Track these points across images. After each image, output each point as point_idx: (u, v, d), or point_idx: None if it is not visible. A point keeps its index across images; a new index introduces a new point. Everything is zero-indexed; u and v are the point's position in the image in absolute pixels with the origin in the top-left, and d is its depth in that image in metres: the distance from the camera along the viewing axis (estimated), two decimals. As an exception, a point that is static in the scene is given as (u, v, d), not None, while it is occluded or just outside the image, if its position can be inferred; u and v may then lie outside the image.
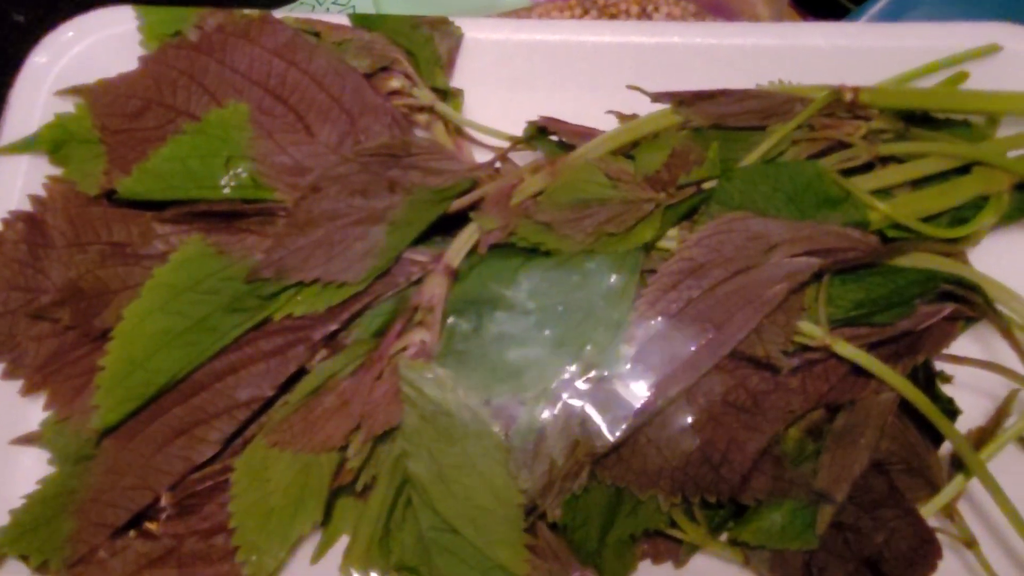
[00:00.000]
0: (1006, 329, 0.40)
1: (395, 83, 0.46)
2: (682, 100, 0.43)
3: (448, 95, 0.47)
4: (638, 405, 0.38)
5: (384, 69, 0.46)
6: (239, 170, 0.43)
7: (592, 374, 0.39)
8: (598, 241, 0.40)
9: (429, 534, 0.39)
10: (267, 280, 0.41)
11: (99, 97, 0.46)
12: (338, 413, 0.40)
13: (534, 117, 0.45)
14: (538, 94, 0.48)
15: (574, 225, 0.41)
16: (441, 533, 0.38)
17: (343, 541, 0.41)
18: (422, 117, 0.46)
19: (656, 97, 0.44)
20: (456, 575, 0.38)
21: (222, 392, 0.41)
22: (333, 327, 0.41)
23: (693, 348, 0.39)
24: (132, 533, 0.40)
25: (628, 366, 0.38)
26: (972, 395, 0.42)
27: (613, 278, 0.40)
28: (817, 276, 0.40)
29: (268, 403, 0.41)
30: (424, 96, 0.46)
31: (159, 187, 0.43)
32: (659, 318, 0.39)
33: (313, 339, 0.41)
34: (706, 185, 0.42)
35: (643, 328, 0.39)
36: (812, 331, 0.39)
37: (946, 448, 0.40)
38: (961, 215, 0.43)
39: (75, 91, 0.46)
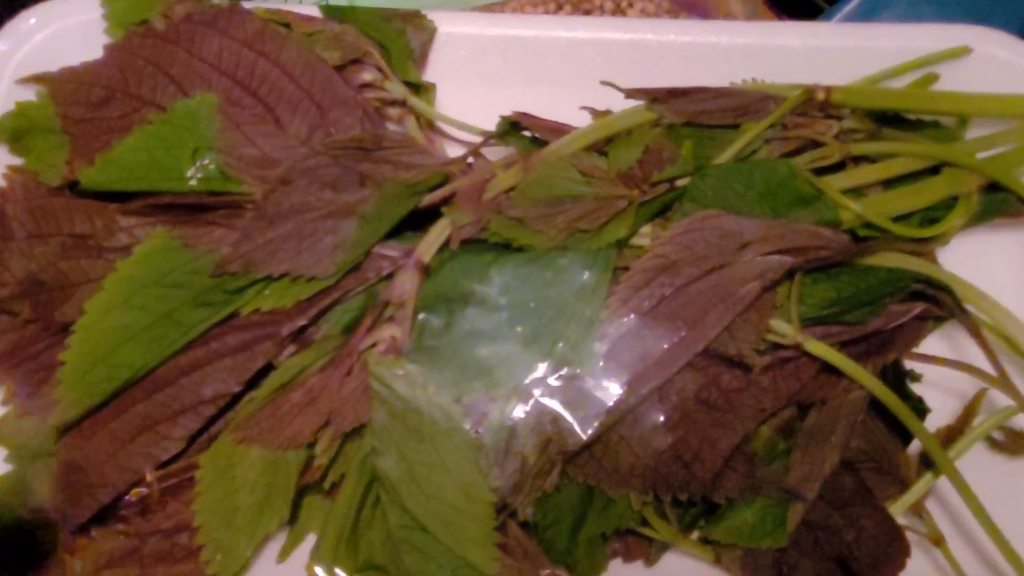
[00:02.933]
0: (975, 329, 0.40)
1: (367, 76, 0.45)
2: (656, 97, 0.43)
3: (420, 89, 0.46)
4: (610, 403, 0.38)
5: (355, 62, 0.45)
6: (206, 161, 0.42)
7: (564, 371, 0.38)
8: (571, 237, 0.40)
9: (398, 533, 0.38)
10: (234, 274, 0.40)
11: (62, 85, 0.44)
12: (306, 409, 0.39)
13: (507, 112, 0.44)
14: (511, 89, 0.47)
15: (547, 221, 0.40)
16: (410, 532, 0.38)
17: (309, 540, 0.40)
18: (394, 111, 0.46)
19: (630, 93, 0.44)
20: (425, 574, 0.38)
21: (187, 388, 0.40)
22: (301, 322, 0.40)
23: (665, 346, 0.38)
24: (93, 531, 0.39)
25: (600, 363, 0.38)
26: (941, 394, 0.42)
27: (586, 275, 0.40)
28: (789, 275, 0.40)
29: (235, 399, 0.40)
30: (396, 90, 0.45)
31: (123, 178, 0.42)
32: (631, 315, 0.39)
33: (281, 334, 0.40)
34: (679, 182, 0.42)
35: (615, 325, 0.39)
36: (783, 330, 0.39)
37: (915, 446, 0.41)
38: (931, 215, 0.43)
39: (37, 79, 0.45)
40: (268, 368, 0.40)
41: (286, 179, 0.41)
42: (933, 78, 0.46)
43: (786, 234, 0.40)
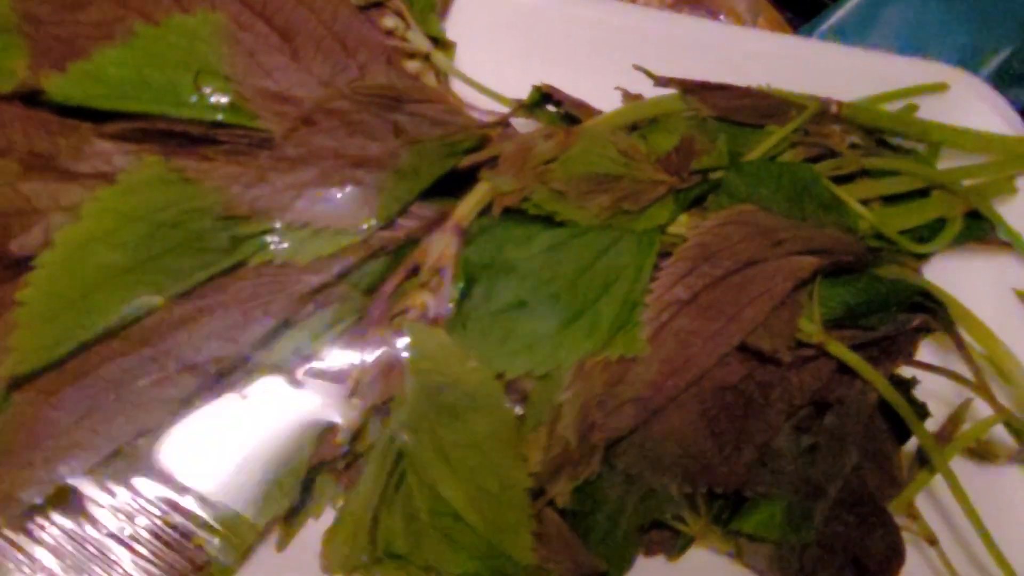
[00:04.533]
0: (961, 342, 0.43)
1: (388, 22, 0.42)
2: (688, 88, 0.43)
3: (441, 45, 0.43)
4: (654, 389, 0.37)
5: (377, 5, 0.42)
6: (212, 89, 0.37)
7: (609, 353, 0.37)
8: (614, 217, 0.39)
9: (425, 518, 0.34)
10: (245, 219, 0.35)
11: (26, -23, 0.37)
12: (328, 378, 0.34)
13: (521, 86, 0.42)
14: (529, 61, 0.45)
15: (590, 198, 0.38)
16: (439, 517, 0.35)
17: (309, 525, 0.35)
18: (412, 64, 0.42)
19: (661, 81, 0.43)
20: (451, 563, 0.34)
21: (183, 345, 0.34)
22: (321, 279, 0.36)
23: (707, 335, 0.38)
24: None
25: (645, 348, 0.37)
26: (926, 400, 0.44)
27: (631, 257, 0.38)
28: (812, 276, 0.41)
29: (240, 362, 0.35)
30: (418, 41, 0.42)
31: (106, 94, 0.36)
32: (675, 302, 0.38)
33: (296, 291, 0.35)
34: (712, 175, 0.41)
35: (659, 311, 0.37)
36: (810, 328, 0.40)
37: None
38: (920, 234, 0.45)
39: (-6, -35, 0.38)
40: (280, 329, 0.35)
41: (311, 119, 0.37)
42: (914, 108, 0.49)
43: (814, 236, 0.41)
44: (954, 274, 0.47)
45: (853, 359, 0.40)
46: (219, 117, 0.37)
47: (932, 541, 0.41)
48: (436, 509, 0.35)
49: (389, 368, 0.35)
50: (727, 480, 0.37)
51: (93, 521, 0.32)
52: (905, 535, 0.40)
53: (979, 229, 0.47)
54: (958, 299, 0.44)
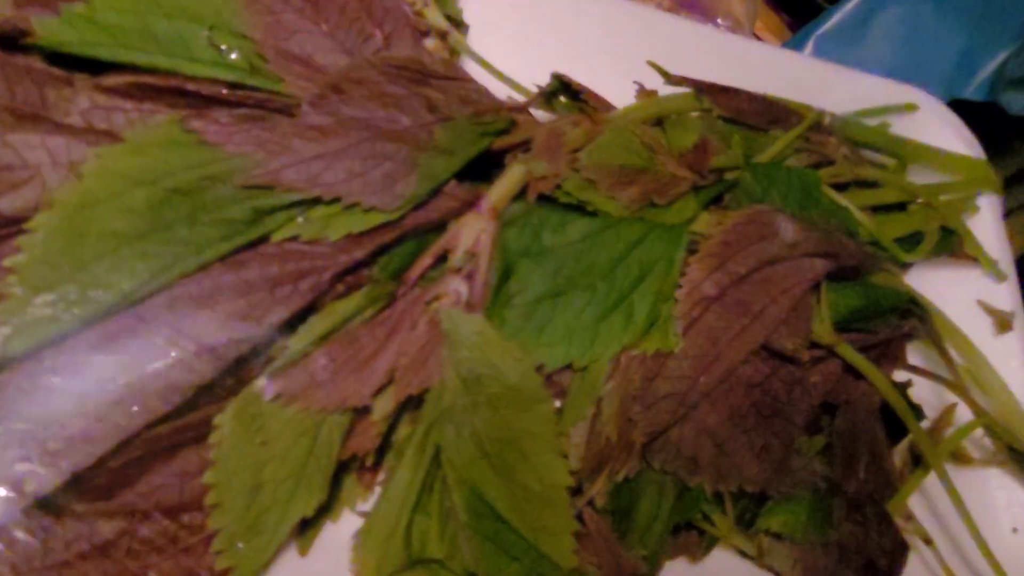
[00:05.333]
0: (944, 350, 0.45)
1: (406, -3, 0.39)
2: (701, 88, 0.43)
3: (458, 26, 0.41)
4: (689, 384, 0.36)
5: (395, -23, 0.39)
6: (229, 46, 0.33)
7: (644, 347, 0.36)
8: (643, 210, 0.38)
9: (464, 517, 0.32)
10: (269, 188, 0.32)
11: (12, -97, 0.33)
12: (366, 365, 0.32)
13: (528, 73, 0.41)
14: (538, 52, 0.44)
15: (620, 189, 0.37)
16: (479, 518, 0.32)
17: (327, 527, 0.32)
18: (428, 43, 0.40)
19: (674, 80, 0.43)
20: (491, 567, 0.32)
21: (200, 324, 0.30)
22: (352, 259, 0.33)
23: (734, 332, 0.37)
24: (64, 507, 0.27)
25: (679, 342, 0.36)
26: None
27: (662, 250, 0.37)
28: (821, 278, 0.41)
29: (263, 344, 0.31)
30: (436, 19, 0.40)
31: (105, 42, 0.32)
32: (705, 298, 0.37)
33: (324, 271, 0.32)
34: (728, 175, 0.41)
35: (690, 306, 0.37)
36: (821, 330, 0.40)
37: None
38: (901, 245, 0.47)
39: None
40: (307, 311, 0.32)
41: (340, 87, 0.34)
42: (887, 126, 0.51)
43: (823, 239, 0.41)
44: (928, 284, 0.49)
45: (861, 361, 0.41)
46: (235, 78, 0.33)
47: (928, 540, 0.42)
48: (475, 509, 0.32)
49: (425, 356, 0.32)
50: (757, 479, 0.36)
51: (106, 522, 0.27)
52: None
53: (950, 242, 0.49)
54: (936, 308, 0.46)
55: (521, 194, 0.36)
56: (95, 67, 0.33)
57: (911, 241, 0.48)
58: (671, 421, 0.35)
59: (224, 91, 0.33)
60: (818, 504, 0.38)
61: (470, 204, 0.35)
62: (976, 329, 0.47)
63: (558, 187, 0.36)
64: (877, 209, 0.47)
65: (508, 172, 0.36)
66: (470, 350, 0.33)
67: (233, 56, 0.33)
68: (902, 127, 0.52)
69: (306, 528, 0.32)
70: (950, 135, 0.53)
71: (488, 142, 0.36)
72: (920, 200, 0.48)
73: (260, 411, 0.30)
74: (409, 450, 0.32)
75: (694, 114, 0.43)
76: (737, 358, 0.37)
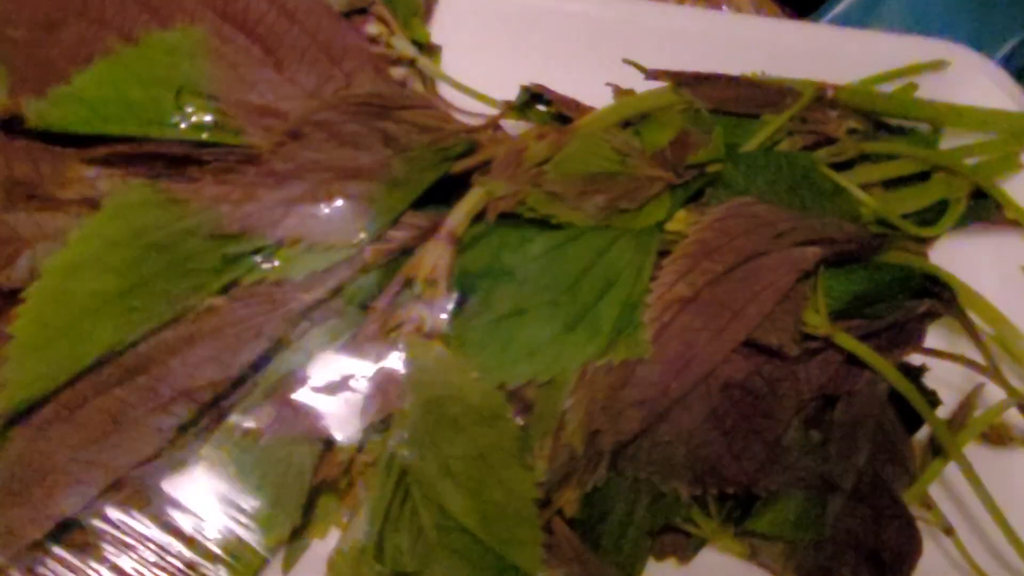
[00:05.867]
0: (970, 326, 0.42)
1: (372, 29, 0.41)
2: (681, 80, 0.42)
3: (427, 50, 0.42)
4: (660, 391, 0.36)
5: (361, 11, 0.41)
6: (195, 107, 0.36)
7: (611, 357, 0.36)
8: (610, 217, 0.38)
9: (432, 534, 0.34)
10: (234, 237, 0.34)
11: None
12: (326, 396, 0.34)
13: (510, 86, 0.42)
14: (517, 60, 0.44)
15: (586, 199, 0.38)
16: (447, 533, 0.34)
17: (313, 545, 0.35)
18: (397, 71, 0.41)
19: (653, 74, 0.42)
20: (463, 580, 0.34)
21: (177, 370, 0.33)
22: (316, 296, 0.35)
23: (711, 333, 0.37)
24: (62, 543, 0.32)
25: (648, 350, 0.36)
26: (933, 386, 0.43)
27: (630, 257, 0.37)
28: (816, 267, 0.40)
29: (236, 384, 0.34)
30: (403, 47, 0.41)
31: (88, 118, 0.36)
32: (677, 301, 0.37)
33: (291, 309, 0.35)
34: (709, 168, 0.41)
35: (661, 311, 0.37)
36: (815, 320, 0.39)
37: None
38: (924, 217, 0.45)
39: (-33, -11, 0.37)
40: (276, 348, 0.35)
41: (298, 132, 0.36)
42: (913, 87, 0.48)
43: (816, 226, 0.40)
44: (960, 256, 0.46)
45: (862, 349, 0.39)
46: (204, 136, 0.36)
47: (948, 531, 0.40)
48: (443, 525, 0.34)
49: (387, 383, 0.34)
50: (737, 479, 0.36)
51: (95, 555, 0.31)
52: (920, 525, 0.40)
53: (984, 209, 0.46)
54: (965, 281, 0.43)
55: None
56: (84, 141, 0.36)
57: (941, 212, 0.45)
58: (641, 429, 0.36)
59: (194, 150, 0.36)
60: (810, 501, 0.38)
61: (432, 230, 0.37)
62: (1016, 300, 0.44)
63: (522, 203, 0.37)
64: (896, 183, 0.45)
65: (467, 196, 0.37)
66: (430, 374, 0.35)
67: (199, 115, 0.36)
68: (939, 85, 0.49)
69: (292, 546, 0.35)
70: (990, 87, 0.49)
71: (446, 167, 0.37)
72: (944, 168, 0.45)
73: (234, 445, 0.33)
74: (377, 471, 0.34)
75: (681, 108, 0.42)
76: (715, 359, 0.37)
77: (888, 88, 0.48)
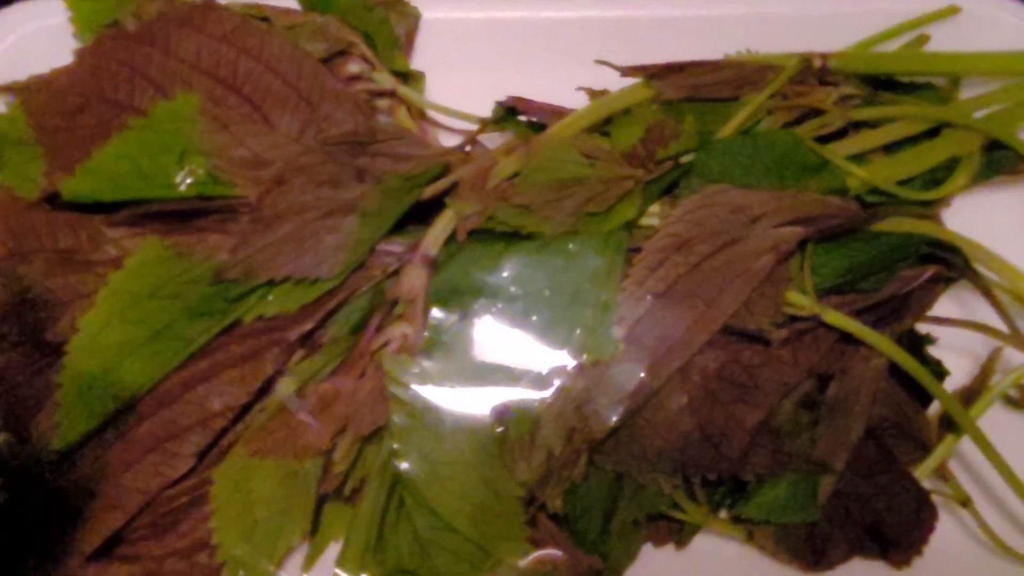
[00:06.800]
0: (985, 288, 0.40)
1: (354, 68, 0.44)
2: (653, 73, 0.42)
3: (410, 78, 0.45)
4: (633, 387, 0.37)
5: (341, 54, 0.44)
6: (194, 166, 0.41)
7: (584, 358, 0.38)
8: (579, 222, 0.39)
9: (425, 535, 0.37)
10: (234, 281, 0.39)
11: (33, 95, 0.42)
12: (321, 416, 0.38)
13: (499, 97, 0.43)
14: (502, 74, 0.45)
15: (554, 207, 0.39)
16: (438, 533, 0.37)
17: (333, 548, 0.39)
18: (383, 102, 0.44)
19: (626, 71, 0.43)
20: (457, 574, 0.37)
21: (194, 402, 0.38)
22: (308, 326, 0.39)
23: (685, 325, 0.38)
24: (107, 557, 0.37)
25: (620, 348, 0.37)
26: (954, 355, 0.42)
27: (598, 259, 0.39)
28: (801, 245, 0.40)
29: (244, 410, 0.38)
30: (385, 80, 0.44)
31: (107, 187, 0.41)
32: (648, 297, 0.38)
33: (288, 340, 0.39)
34: (684, 159, 0.41)
35: (632, 308, 0.38)
36: (800, 301, 0.39)
37: (933, 408, 0.41)
38: (934, 178, 0.43)
39: (6, 89, 0.43)
40: (277, 376, 0.39)
41: (281, 179, 0.40)
42: (925, 39, 0.46)
43: (796, 204, 0.40)
44: (980, 213, 0.44)
45: (852, 326, 0.39)
46: (204, 190, 0.40)
47: (965, 502, 0.39)
48: (435, 526, 0.37)
49: (374, 399, 0.38)
50: (717, 467, 0.37)
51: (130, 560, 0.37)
52: (937, 498, 0.39)
53: (1003, 160, 0.43)
54: (982, 240, 0.41)
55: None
56: (109, 207, 0.41)
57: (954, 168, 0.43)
58: (616, 425, 0.37)
59: (196, 204, 0.40)
60: (800, 483, 0.38)
61: (411, 253, 0.40)
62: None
63: (491, 219, 0.39)
64: (899, 144, 0.43)
65: (438, 218, 0.40)
66: (412, 388, 0.37)
67: (198, 173, 0.40)
68: (956, 33, 0.46)
69: (312, 548, 0.39)
70: (1013, 23, 0.46)
71: (418, 194, 0.40)
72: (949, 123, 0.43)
73: (245, 466, 0.37)
74: (373, 479, 0.38)
75: (656, 102, 0.43)
76: (691, 350, 0.38)
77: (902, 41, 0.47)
